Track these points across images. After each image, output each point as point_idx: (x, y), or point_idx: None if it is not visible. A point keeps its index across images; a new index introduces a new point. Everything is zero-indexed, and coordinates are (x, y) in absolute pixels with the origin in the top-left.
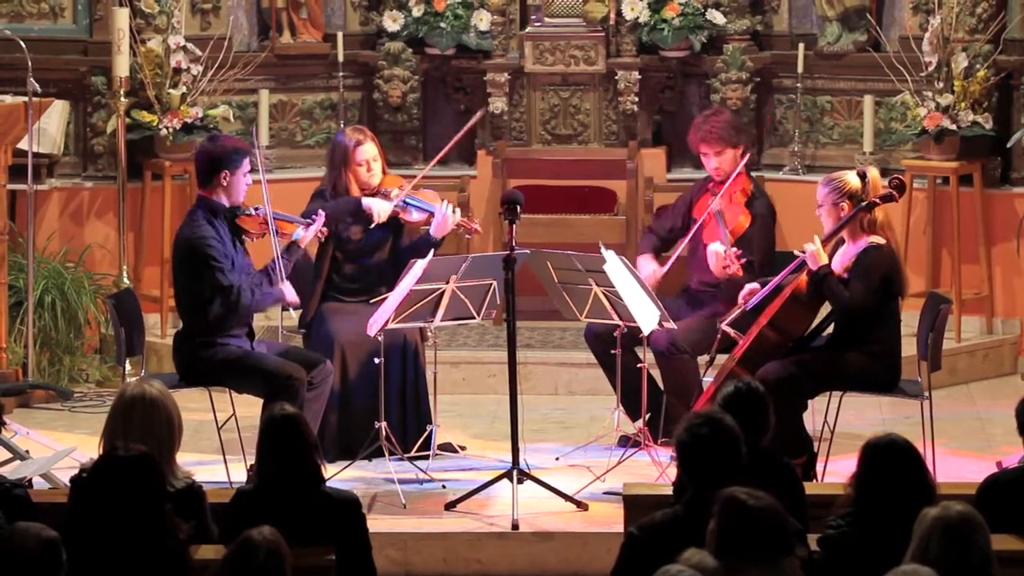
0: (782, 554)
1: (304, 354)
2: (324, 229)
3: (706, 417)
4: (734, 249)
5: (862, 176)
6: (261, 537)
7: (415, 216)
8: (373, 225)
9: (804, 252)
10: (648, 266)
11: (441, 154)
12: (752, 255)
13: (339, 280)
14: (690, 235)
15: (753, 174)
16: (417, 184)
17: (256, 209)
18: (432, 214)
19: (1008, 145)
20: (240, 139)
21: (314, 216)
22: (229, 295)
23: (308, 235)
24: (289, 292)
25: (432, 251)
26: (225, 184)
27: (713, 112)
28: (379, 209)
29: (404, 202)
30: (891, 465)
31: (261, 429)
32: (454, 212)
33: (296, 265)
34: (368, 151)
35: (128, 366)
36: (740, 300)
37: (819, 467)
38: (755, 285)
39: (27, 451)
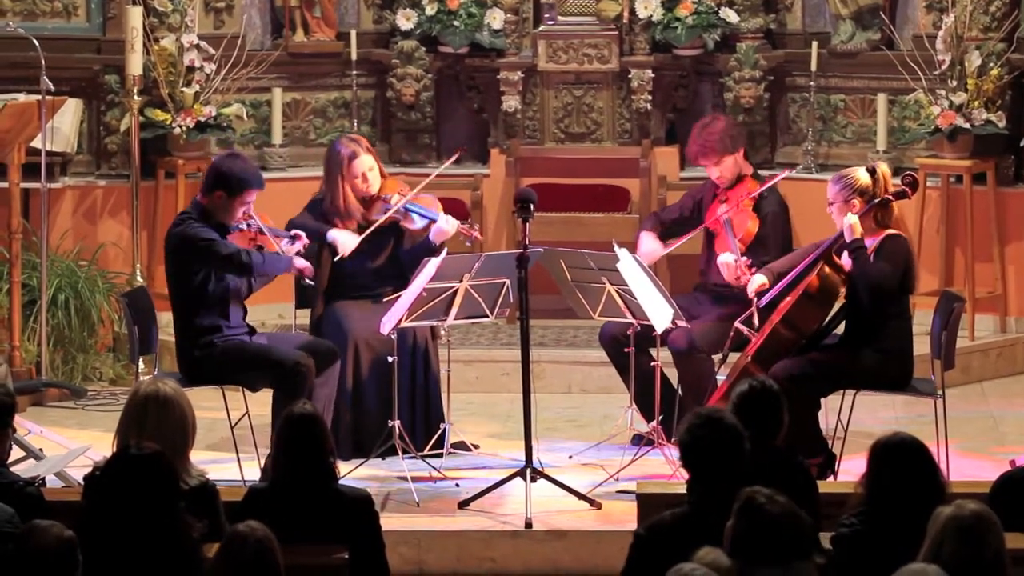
0: (796, 558)
1: (319, 344)
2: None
3: (705, 416)
4: (744, 259)
5: (872, 172)
6: (249, 530)
7: (417, 223)
8: (337, 258)
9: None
10: (650, 243)
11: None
12: (768, 255)
13: (341, 279)
14: (703, 245)
15: (764, 172)
16: (417, 191)
17: (248, 224)
18: (433, 221)
19: (1022, 144)
20: (257, 169)
21: (297, 234)
22: (239, 259)
23: (292, 250)
24: (299, 259)
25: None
26: (219, 203)
27: (707, 123)
28: (344, 243)
29: (405, 209)
30: (900, 464)
31: (279, 427)
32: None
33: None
34: (363, 163)
35: (141, 364)
36: (751, 294)
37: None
38: (763, 279)
39: (41, 449)
